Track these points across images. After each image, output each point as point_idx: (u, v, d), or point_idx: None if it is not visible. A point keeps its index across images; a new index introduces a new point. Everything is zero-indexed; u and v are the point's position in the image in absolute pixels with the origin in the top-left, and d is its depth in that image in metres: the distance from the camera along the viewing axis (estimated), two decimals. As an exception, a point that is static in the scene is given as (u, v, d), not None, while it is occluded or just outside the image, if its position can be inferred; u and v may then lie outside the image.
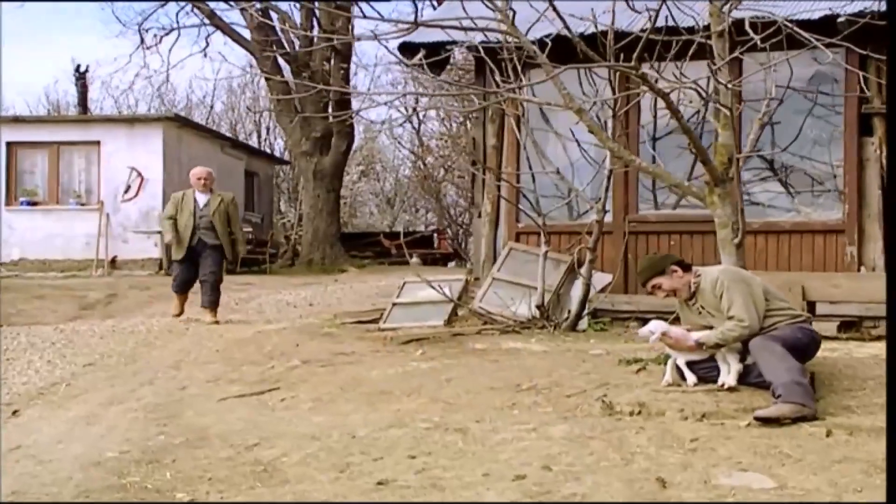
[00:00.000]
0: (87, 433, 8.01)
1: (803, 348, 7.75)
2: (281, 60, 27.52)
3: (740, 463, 6.26)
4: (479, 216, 13.79)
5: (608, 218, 12.31)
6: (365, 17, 12.56)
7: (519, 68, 10.79)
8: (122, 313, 16.54)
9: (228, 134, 37.98)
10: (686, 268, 8.13)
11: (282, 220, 38.06)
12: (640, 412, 7.42)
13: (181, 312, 14.69)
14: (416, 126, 42.71)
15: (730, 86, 8.24)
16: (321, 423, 7.70)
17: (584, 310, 11.73)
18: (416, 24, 8.15)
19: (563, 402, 7.82)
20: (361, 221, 49.03)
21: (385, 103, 27.40)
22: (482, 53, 10.31)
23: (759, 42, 8.05)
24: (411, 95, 11.13)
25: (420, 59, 11.52)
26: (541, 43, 10.62)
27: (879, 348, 9.29)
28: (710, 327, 7.92)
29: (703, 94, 8.48)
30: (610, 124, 11.99)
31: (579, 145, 12.49)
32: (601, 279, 12.27)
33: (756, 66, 9.12)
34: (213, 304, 14.38)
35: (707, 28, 8.86)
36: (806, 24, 9.66)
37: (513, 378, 8.70)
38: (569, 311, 11.94)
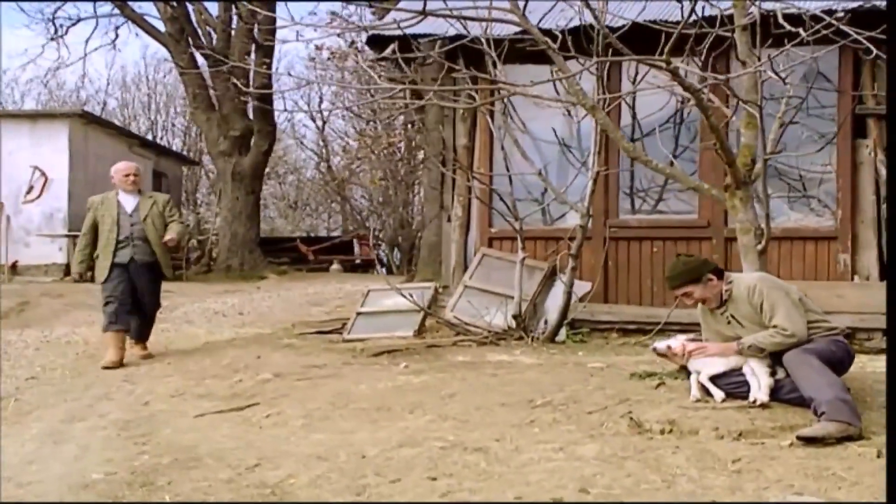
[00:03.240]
0: (60, 453, 7.68)
1: (839, 362, 7.61)
2: (198, 55, 26.96)
3: (792, 486, 6.07)
4: (449, 220, 13.50)
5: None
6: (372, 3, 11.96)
7: (499, 63, 10.58)
8: (40, 323, 16.02)
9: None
10: (720, 275, 7.94)
11: (181, 224, 37.31)
12: (671, 430, 7.22)
13: (118, 362, 11.37)
14: (321, 125, 42.61)
15: (756, 80, 8.07)
16: (323, 442, 7.42)
17: (564, 320, 11.54)
18: (423, 14, 7.88)
19: (586, 420, 7.59)
20: (264, 226, 48.52)
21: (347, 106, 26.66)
22: (487, 47, 9.99)
23: (806, 38, 7.86)
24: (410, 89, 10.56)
25: (392, 53, 11.24)
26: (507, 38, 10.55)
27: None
28: (738, 338, 7.78)
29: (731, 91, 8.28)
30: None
31: (564, 146, 12.29)
32: (580, 288, 12.06)
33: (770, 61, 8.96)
34: (143, 335, 11.92)
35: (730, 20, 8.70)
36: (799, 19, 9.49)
37: (521, 393, 8.46)
38: (545, 322, 11.75)
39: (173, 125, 49.09)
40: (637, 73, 12.02)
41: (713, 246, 12.09)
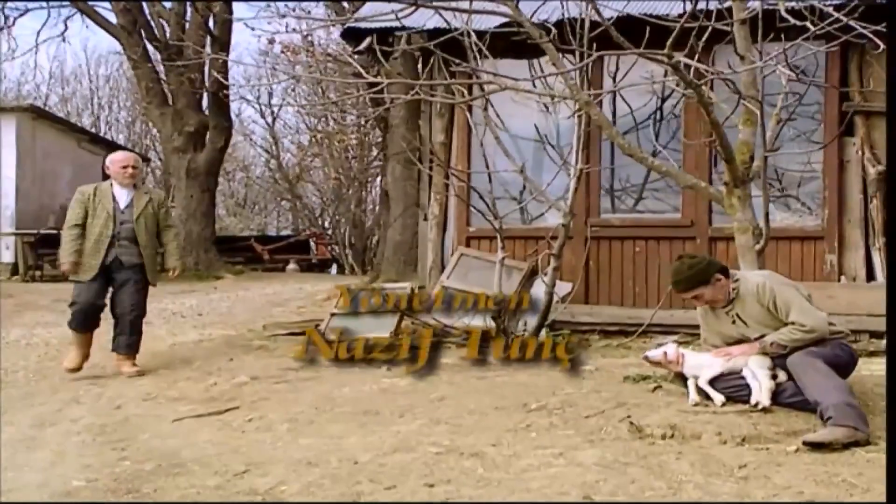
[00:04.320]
0: (34, 459, 7.48)
1: (843, 366, 7.62)
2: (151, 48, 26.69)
3: (802, 493, 6.01)
4: (425, 219, 13.42)
5: (565, 222, 12.01)
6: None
7: (483, 57, 10.51)
8: (-10, 324, 15.75)
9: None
10: (726, 273, 7.90)
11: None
12: (672, 435, 7.15)
13: (81, 363, 10.78)
14: (271, 121, 42.54)
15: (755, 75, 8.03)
16: (312, 447, 7.28)
17: (545, 321, 11.44)
18: (416, 5, 7.80)
19: (584, 424, 7.53)
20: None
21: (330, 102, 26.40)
22: (473, 40, 9.90)
23: (812, 29, 7.82)
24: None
25: (370, 45, 11.14)
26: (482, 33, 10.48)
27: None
28: (743, 340, 7.78)
29: (733, 87, 8.23)
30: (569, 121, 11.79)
31: (548, 144, 12.18)
32: (560, 288, 11.96)
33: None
34: (132, 348, 10.87)
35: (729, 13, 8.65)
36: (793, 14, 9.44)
37: (514, 397, 8.40)
38: (525, 323, 11.63)
39: (117, 120, 48.95)
40: (618, 69, 12.00)
41: (697, 246, 12.07)
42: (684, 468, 6.48)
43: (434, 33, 10.95)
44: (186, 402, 9.16)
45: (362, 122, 30.60)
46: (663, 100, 12.58)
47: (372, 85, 11.64)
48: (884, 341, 8.21)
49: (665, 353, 8.06)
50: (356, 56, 13.21)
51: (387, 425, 7.84)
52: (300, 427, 7.98)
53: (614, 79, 11.84)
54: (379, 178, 35.11)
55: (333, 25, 15.27)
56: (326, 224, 41.14)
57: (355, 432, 7.68)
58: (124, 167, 10.89)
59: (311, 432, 7.80)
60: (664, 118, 12.72)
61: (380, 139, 31.25)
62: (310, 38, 29.49)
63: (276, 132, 43.32)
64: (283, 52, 30.60)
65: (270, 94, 40.36)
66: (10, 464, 7.33)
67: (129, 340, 10.81)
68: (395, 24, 11.28)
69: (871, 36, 7.42)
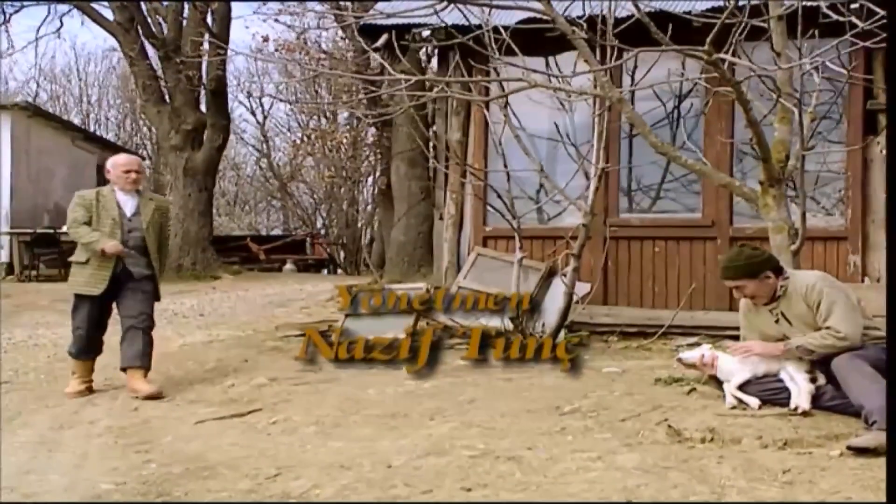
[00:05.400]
0: (57, 462, 7.41)
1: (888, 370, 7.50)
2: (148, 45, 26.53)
3: (850, 498, 5.93)
4: (441, 218, 13.30)
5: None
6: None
7: (499, 53, 10.41)
8: (-9, 324, 15.64)
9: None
10: (779, 272, 7.79)
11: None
12: (712, 439, 7.06)
13: (88, 387, 9.97)
14: (261, 120, 42.55)
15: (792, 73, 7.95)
16: (342, 450, 7.21)
17: (564, 322, 11.34)
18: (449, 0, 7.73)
19: (620, 427, 7.44)
20: (206, 224, 48.15)
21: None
22: (495, 34, 9.81)
23: (861, 25, 7.74)
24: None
25: (387, 42, 11.06)
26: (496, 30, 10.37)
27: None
28: (783, 338, 7.70)
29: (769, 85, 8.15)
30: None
31: (570, 143, 12.05)
32: (579, 289, 11.87)
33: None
34: (145, 360, 9.87)
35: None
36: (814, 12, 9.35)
37: (544, 399, 8.34)
38: (543, 324, 11.55)
39: (107, 118, 48.87)
40: (636, 67, 11.95)
41: (717, 246, 11.95)
42: (726, 472, 6.39)
43: (458, 30, 10.85)
44: (205, 405, 9.12)
45: (355, 121, 30.48)
46: (680, 98, 12.49)
47: (376, 83, 11.56)
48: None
49: (702, 356, 7.98)
50: (362, 53, 13.15)
51: (417, 428, 7.77)
52: (327, 429, 7.91)
53: (633, 77, 11.78)
54: (370, 177, 35.17)
55: (349, 22, 15.11)
56: (319, 223, 41.12)
57: (385, 435, 7.61)
58: (127, 171, 9.98)
59: (339, 435, 7.72)
60: (682, 116, 12.60)
61: (374, 138, 31.21)
62: (304, 35, 29.38)
63: (267, 130, 43.38)
64: (277, 49, 30.47)
65: (262, 93, 40.38)
66: (32, 466, 7.29)
67: (139, 351, 9.86)
68: (413, 20, 11.28)
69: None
